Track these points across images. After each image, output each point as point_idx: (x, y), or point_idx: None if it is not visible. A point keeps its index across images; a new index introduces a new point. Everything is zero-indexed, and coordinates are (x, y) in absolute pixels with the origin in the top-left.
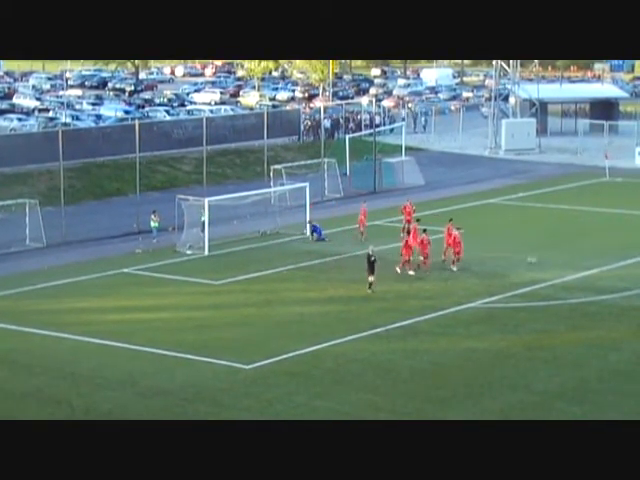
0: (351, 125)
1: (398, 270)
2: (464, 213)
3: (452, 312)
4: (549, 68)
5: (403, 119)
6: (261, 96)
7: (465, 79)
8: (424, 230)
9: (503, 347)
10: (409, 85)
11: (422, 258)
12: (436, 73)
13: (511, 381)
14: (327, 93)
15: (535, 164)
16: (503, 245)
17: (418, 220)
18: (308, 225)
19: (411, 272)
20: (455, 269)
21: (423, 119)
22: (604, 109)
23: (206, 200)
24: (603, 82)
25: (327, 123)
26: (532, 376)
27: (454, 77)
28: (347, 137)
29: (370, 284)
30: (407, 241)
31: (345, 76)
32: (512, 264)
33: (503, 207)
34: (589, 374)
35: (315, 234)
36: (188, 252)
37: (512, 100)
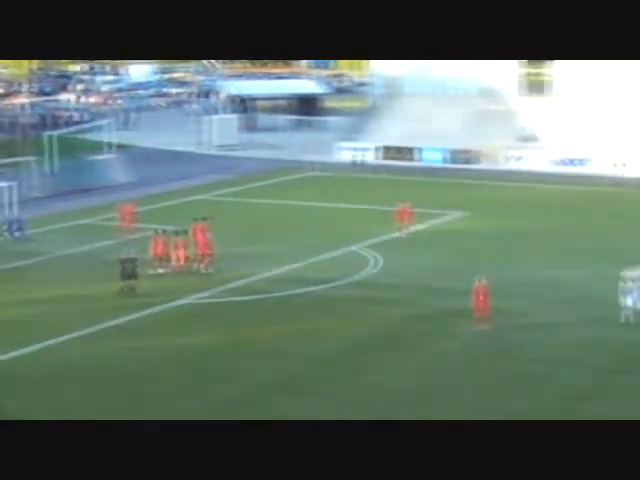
0: (57, 122)
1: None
2: (174, 210)
3: (164, 309)
4: (255, 64)
5: (110, 116)
6: None
7: (172, 75)
8: (164, 231)
9: (214, 342)
10: (116, 81)
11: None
12: (143, 69)
13: (221, 375)
14: (29, 89)
15: (242, 160)
16: (213, 240)
17: (205, 219)
18: (7, 224)
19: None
20: (212, 270)
21: (130, 115)
22: (307, 105)
23: None
24: (305, 78)
25: (30, 120)
26: (242, 369)
27: (161, 73)
28: (53, 134)
29: (130, 288)
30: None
31: (48, 72)
32: (223, 259)
33: (212, 203)
34: (300, 365)
35: (9, 233)
36: None
37: (219, 96)
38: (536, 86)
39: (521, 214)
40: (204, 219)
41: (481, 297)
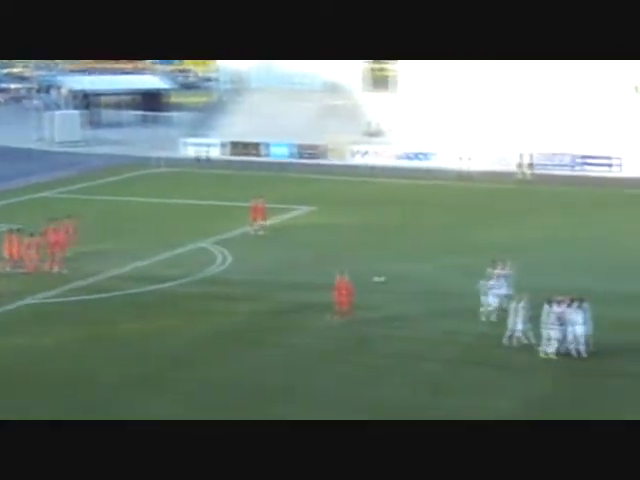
0: None
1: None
2: (15, 208)
3: (8, 310)
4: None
5: None
6: None
7: (11, 70)
8: (18, 230)
9: (59, 341)
10: None
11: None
12: None
13: (67, 375)
14: None
15: (87, 156)
16: (65, 239)
17: (56, 219)
18: None
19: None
20: (63, 270)
21: None
22: (152, 100)
23: None
24: (149, 74)
25: None
26: (88, 368)
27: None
28: None
29: None
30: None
31: None
32: (71, 258)
33: (55, 200)
34: (147, 363)
35: None
36: None
37: (60, 91)
38: (380, 82)
39: (368, 209)
40: (57, 219)
41: (344, 292)
